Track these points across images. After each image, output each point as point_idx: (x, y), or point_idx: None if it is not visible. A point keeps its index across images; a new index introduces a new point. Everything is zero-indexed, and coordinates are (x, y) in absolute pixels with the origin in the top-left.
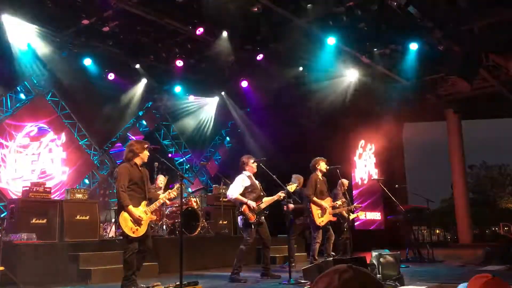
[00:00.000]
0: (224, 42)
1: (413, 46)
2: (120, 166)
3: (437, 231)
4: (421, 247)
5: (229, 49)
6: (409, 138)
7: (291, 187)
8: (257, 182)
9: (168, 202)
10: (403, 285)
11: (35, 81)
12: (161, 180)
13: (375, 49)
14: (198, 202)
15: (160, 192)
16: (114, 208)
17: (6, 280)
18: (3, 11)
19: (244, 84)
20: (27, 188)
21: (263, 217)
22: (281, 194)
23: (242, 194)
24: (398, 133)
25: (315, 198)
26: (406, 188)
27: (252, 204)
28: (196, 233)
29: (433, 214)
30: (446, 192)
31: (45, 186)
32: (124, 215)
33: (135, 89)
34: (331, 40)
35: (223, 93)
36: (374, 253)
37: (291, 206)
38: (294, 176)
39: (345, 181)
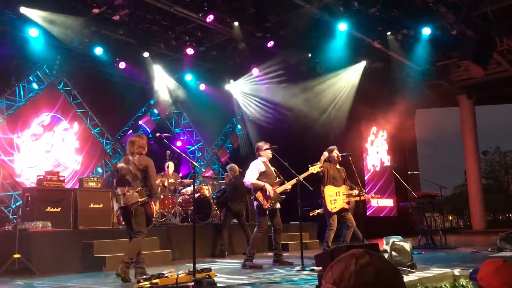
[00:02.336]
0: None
1: (426, 31)
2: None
3: (450, 218)
4: (434, 233)
5: (241, 37)
6: (422, 125)
7: (314, 168)
8: (272, 168)
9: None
10: (416, 271)
11: (47, 71)
12: (171, 166)
13: (387, 35)
14: (210, 190)
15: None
16: None
17: (22, 267)
18: (20, 4)
19: (255, 71)
20: (41, 177)
21: (278, 204)
22: (312, 171)
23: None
24: (410, 119)
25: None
26: (418, 174)
27: (269, 188)
28: (208, 220)
29: (446, 200)
30: (459, 179)
31: (59, 175)
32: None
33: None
34: (342, 26)
35: (231, 80)
36: (387, 240)
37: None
38: (228, 166)
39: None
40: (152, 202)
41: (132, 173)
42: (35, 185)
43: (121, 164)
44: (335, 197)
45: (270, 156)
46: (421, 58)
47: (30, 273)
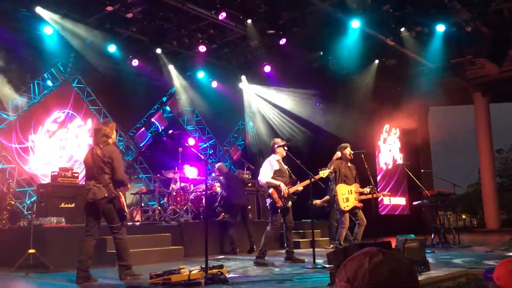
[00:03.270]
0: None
1: (440, 28)
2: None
3: (463, 217)
4: (447, 232)
5: (253, 34)
6: (435, 122)
7: (323, 173)
8: (286, 167)
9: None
10: (429, 270)
11: (62, 68)
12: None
13: (401, 32)
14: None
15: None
16: (142, 193)
17: (36, 262)
18: (36, 4)
19: (267, 69)
20: (56, 173)
21: (290, 202)
22: (322, 175)
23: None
24: (424, 117)
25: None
26: (431, 173)
27: (284, 186)
28: (220, 217)
29: (460, 199)
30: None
31: (73, 171)
32: None
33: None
34: (355, 23)
35: (243, 76)
36: (399, 238)
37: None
38: (217, 165)
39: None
40: (122, 196)
41: (97, 166)
42: (50, 181)
43: (86, 156)
44: (348, 195)
45: (284, 154)
46: (435, 55)
47: (44, 268)
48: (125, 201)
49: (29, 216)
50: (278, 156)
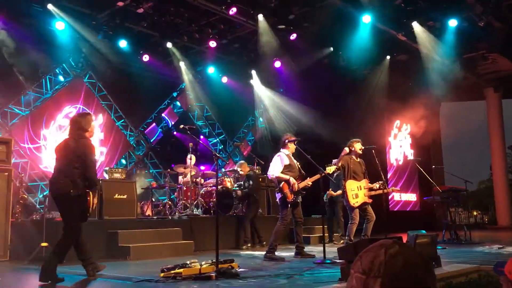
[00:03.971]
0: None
1: (452, 23)
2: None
3: (475, 213)
4: (458, 229)
5: (265, 30)
6: (447, 118)
7: (330, 169)
8: (295, 162)
9: None
10: (440, 266)
11: (73, 64)
12: (193, 159)
13: (413, 27)
14: (232, 183)
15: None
16: (152, 187)
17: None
18: (48, 3)
19: (277, 64)
20: None
21: (300, 197)
22: (328, 171)
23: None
24: (435, 113)
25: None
26: (442, 169)
27: (293, 180)
28: (230, 212)
29: (471, 195)
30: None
31: None
32: None
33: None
34: (366, 18)
35: (253, 71)
36: (411, 234)
37: (239, 192)
38: (238, 163)
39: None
40: (91, 195)
41: (68, 159)
42: None
43: (58, 147)
44: (357, 191)
45: (294, 149)
46: (447, 50)
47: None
48: (94, 202)
49: (41, 210)
50: (288, 151)
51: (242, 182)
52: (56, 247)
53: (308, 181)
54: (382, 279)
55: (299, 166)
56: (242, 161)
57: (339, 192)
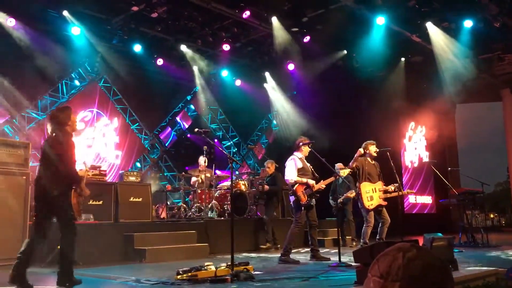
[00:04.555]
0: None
1: (468, 24)
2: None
3: (491, 216)
4: (475, 231)
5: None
6: (462, 120)
7: (344, 172)
8: (308, 165)
9: None
10: (457, 269)
11: (89, 68)
12: (206, 162)
13: (427, 28)
14: (246, 185)
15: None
16: (167, 190)
17: None
18: (64, 4)
19: (291, 67)
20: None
21: (314, 200)
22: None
23: None
24: (450, 114)
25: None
26: (458, 171)
27: (312, 181)
28: (244, 215)
29: (487, 198)
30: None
31: (101, 169)
32: None
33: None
34: (380, 20)
35: (267, 73)
36: (427, 237)
37: (267, 187)
38: (266, 162)
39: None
40: (73, 194)
41: (48, 157)
42: None
43: (42, 145)
44: (372, 194)
45: (307, 153)
46: (462, 51)
47: (73, 264)
48: (77, 202)
49: None
50: (301, 154)
51: (267, 179)
52: (61, 251)
53: (322, 184)
54: (401, 282)
55: (312, 169)
56: (271, 160)
57: (353, 194)
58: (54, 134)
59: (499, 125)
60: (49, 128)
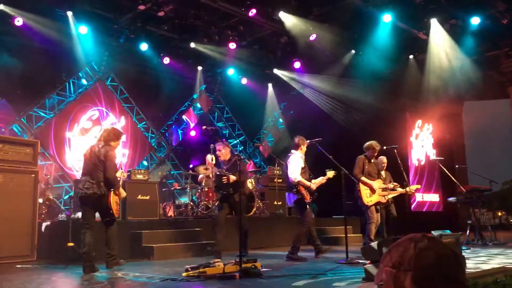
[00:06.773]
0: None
1: (475, 21)
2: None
3: (499, 214)
4: (482, 229)
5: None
6: (470, 117)
7: (330, 173)
8: (305, 164)
9: None
10: (465, 266)
11: (96, 67)
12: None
13: (434, 25)
14: (253, 183)
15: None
16: (174, 188)
17: (75, 255)
18: (72, 8)
19: (297, 65)
20: None
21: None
22: (329, 176)
23: None
24: (457, 112)
25: (363, 178)
26: (466, 169)
27: (314, 186)
28: (251, 213)
29: (495, 196)
30: (509, 173)
31: None
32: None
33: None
34: (386, 18)
35: (275, 70)
36: (435, 234)
37: (232, 178)
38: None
39: (383, 158)
40: (111, 194)
41: (93, 163)
42: None
43: (86, 152)
44: (371, 190)
45: (304, 152)
46: (469, 49)
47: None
48: (116, 202)
49: (66, 212)
50: (301, 152)
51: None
52: (107, 242)
53: (323, 180)
54: (413, 272)
55: (308, 168)
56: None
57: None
58: (102, 145)
59: (506, 122)
60: (98, 138)
